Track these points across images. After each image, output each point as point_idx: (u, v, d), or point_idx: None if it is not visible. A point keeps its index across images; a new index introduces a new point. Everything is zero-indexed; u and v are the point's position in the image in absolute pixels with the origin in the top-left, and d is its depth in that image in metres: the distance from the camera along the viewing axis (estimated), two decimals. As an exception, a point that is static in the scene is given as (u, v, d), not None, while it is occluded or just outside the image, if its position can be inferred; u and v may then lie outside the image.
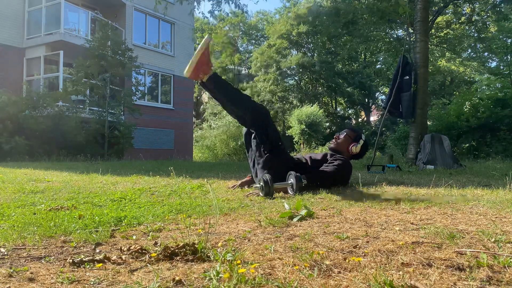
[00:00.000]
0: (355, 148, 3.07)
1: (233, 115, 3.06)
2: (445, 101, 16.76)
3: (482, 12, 13.25)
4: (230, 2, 9.90)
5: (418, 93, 6.17)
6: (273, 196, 2.41)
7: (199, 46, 2.69)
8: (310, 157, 3.01)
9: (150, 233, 1.53)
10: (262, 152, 2.77)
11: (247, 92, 28.57)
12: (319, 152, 3.29)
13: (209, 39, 2.70)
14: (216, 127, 20.32)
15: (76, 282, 0.99)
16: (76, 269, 1.09)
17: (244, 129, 3.06)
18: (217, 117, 22.27)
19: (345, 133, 3.16)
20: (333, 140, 3.19)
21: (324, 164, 2.89)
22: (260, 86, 27.53)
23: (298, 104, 25.74)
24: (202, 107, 24.50)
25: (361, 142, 3.09)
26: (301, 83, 29.32)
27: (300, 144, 21.40)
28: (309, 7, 19.39)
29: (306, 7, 22.28)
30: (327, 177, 2.74)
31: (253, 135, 2.88)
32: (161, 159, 10.62)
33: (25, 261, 1.18)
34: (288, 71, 27.72)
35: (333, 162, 2.87)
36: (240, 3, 10.25)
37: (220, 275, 0.97)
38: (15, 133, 9.03)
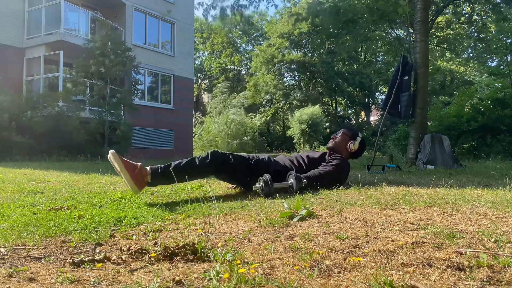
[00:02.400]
0: (353, 146, 3.07)
1: (229, 181, 2.91)
2: (444, 100, 16.76)
3: (482, 12, 13.25)
4: (235, 10, 9.60)
5: (418, 93, 6.17)
6: (273, 196, 2.41)
7: (117, 167, 2.38)
8: (308, 156, 3.00)
9: (150, 233, 1.53)
10: (248, 186, 2.66)
11: (250, 85, 28.49)
12: (318, 151, 3.27)
13: (114, 153, 2.36)
14: (218, 123, 20.35)
15: (76, 282, 0.99)
16: (76, 269, 1.09)
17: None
18: (218, 115, 22.30)
19: (342, 131, 3.18)
20: (331, 140, 3.19)
21: (322, 164, 2.89)
22: (262, 80, 27.48)
23: (298, 104, 25.77)
24: (204, 105, 24.53)
25: (358, 139, 3.10)
26: (301, 83, 29.34)
27: (300, 144, 21.42)
28: (309, 2, 19.39)
29: (304, 5, 22.28)
30: (325, 176, 2.74)
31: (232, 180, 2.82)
32: (161, 159, 10.62)
33: (25, 261, 1.18)
34: (289, 67, 27.75)
35: (331, 162, 2.87)
36: (243, 11, 9.97)
37: (220, 275, 0.97)
38: (15, 134, 9.02)
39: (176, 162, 2.57)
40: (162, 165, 2.52)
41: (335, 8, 11.96)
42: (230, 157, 2.68)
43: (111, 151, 2.41)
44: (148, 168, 2.47)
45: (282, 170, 2.78)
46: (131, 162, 2.44)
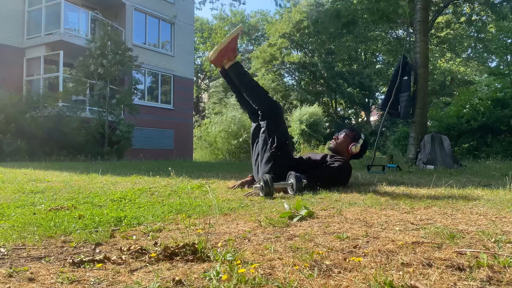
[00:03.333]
0: (355, 148, 3.07)
1: (246, 107, 3.09)
2: (444, 100, 16.77)
3: (482, 12, 13.25)
4: None
5: (418, 93, 6.17)
6: (273, 196, 2.41)
7: (231, 32, 2.79)
8: (309, 158, 3.01)
9: (150, 233, 1.53)
10: (269, 147, 2.79)
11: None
12: (319, 152, 3.31)
13: (242, 28, 2.78)
14: (217, 123, 20.35)
15: (76, 282, 0.99)
16: (76, 269, 1.09)
17: (253, 124, 3.08)
18: (217, 116, 22.30)
19: (344, 133, 3.17)
20: (333, 140, 3.19)
21: (323, 165, 2.89)
22: (261, 82, 27.57)
23: (298, 104, 25.80)
24: (202, 105, 24.50)
25: (361, 141, 3.09)
26: (301, 83, 29.35)
27: (300, 144, 21.43)
28: (309, 7, 19.44)
29: (304, 10, 22.34)
30: (326, 178, 2.74)
31: (262, 129, 2.90)
32: (161, 159, 10.63)
33: (25, 261, 1.18)
34: (290, 67, 27.78)
35: (333, 163, 2.87)
36: None
37: (220, 275, 0.97)
38: (15, 134, 9.02)
39: (252, 78, 3.03)
40: (243, 69, 2.98)
41: (335, 11, 11.97)
42: (284, 121, 3.01)
43: (240, 26, 3.02)
44: (236, 60, 2.91)
45: (300, 161, 2.85)
46: (236, 46, 2.89)
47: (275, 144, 2.77)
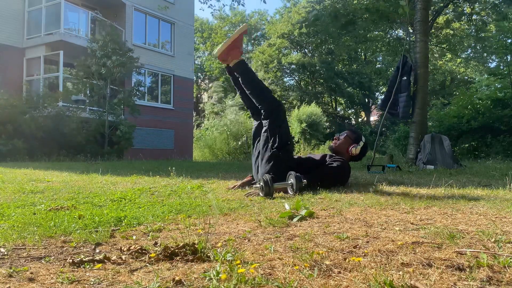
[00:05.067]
0: (355, 150, 3.07)
1: (249, 105, 3.10)
2: (443, 101, 16.76)
3: (483, 12, 13.25)
4: None
5: (418, 93, 6.16)
6: (273, 196, 2.41)
7: (236, 30, 2.84)
8: (309, 158, 3.01)
9: (150, 233, 1.53)
10: (270, 146, 2.79)
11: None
12: (319, 153, 3.31)
13: (247, 26, 2.80)
14: (216, 125, 20.35)
15: (76, 282, 0.99)
16: (76, 269, 1.09)
17: (255, 122, 3.09)
18: (217, 115, 22.30)
19: (346, 134, 3.16)
20: (333, 140, 3.19)
21: (323, 165, 2.89)
22: (262, 79, 27.62)
23: (298, 104, 25.81)
24: (201, 106, 24.43)
25: (361, 143, 3.09)
26: (301, 83, 29.37)
27: (301, 143, 21.43)
28: (308, 9, 19.47)
29: (303, 11, 22.36)
30: (326, 178, 2.74)
31: (264, 128, 2.90)
32: (161, 159, 10.62)
33: (25, 261, 1.18)
34: (288, 68, 27.81)
35: (332, 164, 2.87)
36: None
37: (220, 275, 0.97)
38: (15, 135, 9.01)
39: (259, 80, 3.04)
40: (249, 68, 2.99)
41: (334, 11, 11.97)
42: (286, 121, 2.98)
43: (245, 25, 3.02)
44: (241, 58, 2.94)
45: (300, 161, 2.85)
46: (242, 44, 2.92)
47: (276, 144, 2.77)
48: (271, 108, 2.89)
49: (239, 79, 2.96)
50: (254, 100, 2.98)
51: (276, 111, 2.89)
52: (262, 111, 2.91)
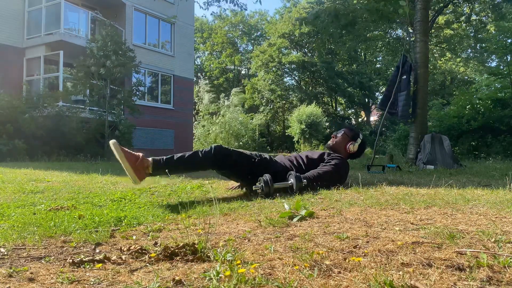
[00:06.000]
0: (353, 147, 3.06)
1: (238, 177, 2.87)
2: (442, 101, 16.77)
3: (482, 13, 13.25)
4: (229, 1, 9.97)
5: (418, 93, 6.17)
6: (273, 196, 2.41)
7: (118, 158, 2.36)
8: (307, 156, 2.99)
9: (150, 233, 1.53)
10: (245, 177, 2.70)
11: (248, 88, 28.56)
12: (317, 151, 3.26)
13: (114, 143, 2.34)
14: (217, 125, 20.34)
15: (76, 282, 0.99)
16: (76, 269, 1.09)
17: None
18: (216, 116, 22.27)
19: (343, 131, 3.16)
20: (331, 139, 3.18)
21: (321, 164, 2.88)
22: (260, 84, 27.64)
23: (298, 104, 25.82)
24: (197, 105, 24.31)
25: (359, 141, 3.08)
26: (301, 83, 29.38)
27: (301, 143, 21.45)
28: (308, 10, 19.46)
29: (303, 12, 22.36)
30: (325, 176, 2.73)
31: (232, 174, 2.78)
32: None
33: (25, 261, 1.18)
34: (288, 68, 27.80)
35: (330, 162, 2.86)
36: (238, 1, 10.34)
37: (220, 275, 0.97)
38: (15, 135, 9.01)
39: (180, 155, 2.58)
40: (164, 157, 2.53)
41: (334, 11, 11.97)
42: (233, 153, 2.68)
43: (112, 141, 2.38)
44: (150, 159, 2.48)
45: (282, 170, 2.78)
46: (133, 152, 2.43)
47: (249, 172, 2.66)
48: (215, 159, 2.59)
49: (171, 170, 2.55)
50: (201, 168, 2.72)
51: (218, 156, 2.60)
52: (213, 168, 2.67)
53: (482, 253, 1.10)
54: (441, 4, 10.89)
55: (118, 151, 2.35)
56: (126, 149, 2.42)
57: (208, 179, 3.71)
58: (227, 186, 3.08)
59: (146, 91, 14.42)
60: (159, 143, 14.79)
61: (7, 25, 11.35)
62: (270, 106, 28.28)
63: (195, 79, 21.58)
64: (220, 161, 2.61)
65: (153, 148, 14.25)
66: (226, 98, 23.02)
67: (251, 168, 2.67)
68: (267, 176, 2.43)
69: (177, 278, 0.97)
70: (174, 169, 2.40)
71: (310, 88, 28.23)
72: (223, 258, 1.12)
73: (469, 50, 20.40)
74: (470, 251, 1.14)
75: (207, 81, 27.13)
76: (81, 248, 1.34)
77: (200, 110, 23.47)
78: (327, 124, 23.02)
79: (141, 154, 2.46)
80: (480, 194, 2.38)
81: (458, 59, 22.70)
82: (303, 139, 21.36)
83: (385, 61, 24.49)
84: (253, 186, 2.48)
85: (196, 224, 1.66)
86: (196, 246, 1.20)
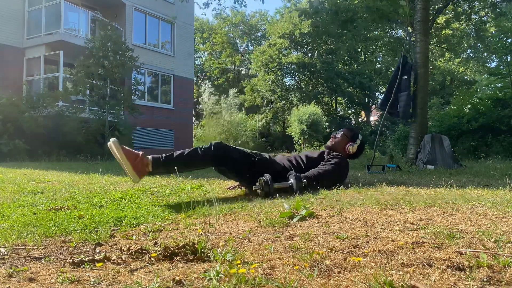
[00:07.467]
0: (352, 148, 3.06)
1: (236, 177, 2.85)
2: (441, 100, 16.76)
3: (482, 13, 13.25)
4: None
5: (418, 93, 6.16)
6: (273, 196, 2.41)
7: (118, 156, 2.35)
8: (306, 156, 2.99)
9: (150, 233, 1.53)
10: (244, 176, 2.69)
11: (247, 90, 28.58)
12: (317, 150, 3.24)
13: (114, 141, 2.33)
14: (217, 126, 20.36)
15: (76, 282, 0.99)
16: (76, 269, 1.09)
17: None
18: (215, 116, 22.30)
19: (342, 132, 3.16)
20: (330, 139, 3.18)
21: (321, 163, 2.88)
22: (260, 85, 27.65)
23: (299, 103, 25.82)
24: (199, 106, 24.35)
25: (358, 141, 3.08)
26: (301, 83, 29.38)
27: (301, 143, 21.45)
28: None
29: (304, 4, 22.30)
30: (325, 175, 2.73)
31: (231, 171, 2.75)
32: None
33: (25, 261, 1.18)
34: (288, 68, 27.80)
35: (330, 161, 2.86)
36: None
37: (220, 275, 0.97)
38: (15, 135, 9.01)
39: (179, 152, 2.58)
40: (164, 155, 2.52)
41: (334, 7, 11.96)
42: (233, 150, 2.68)
43: (112, 139, 2.37)
44: (149, 157, 2.47)
45: (282, 170, 2.78)
46: (132, 150, 2.43)
47: (248, 171, 2.65)
48: (214, 156, 2.58)
49: (170, 169, 2.52)
50: (200, 166, 2.75)
51: (218, 153, 2.59)
52: (212, 165, 2.69)
53: (482, 253, 1.10)
54: (441, 5, 10.87)
55: (118, 149, 2.35)
56: (126, 147, 2.42)
57: (208, 179, 3.71)
58: (227, 186, 3.08)
59: (146, 90, 14.42)
60: (159, 143, 14.79)
61: (7, 25, 11.35)
62: (270, 106, 28.30)
63: (195, 79, 21.58)
64: (220, 158, 2.60)
65: (153, 148, 14.25)
66: (225, 98, 23.05)
67: (250, 167, 2.67)
68: (267, 176, 2.43)
69: (177, 278, 0.97)
70: (174, 166, 2.40)
71: (310, 88, 28.22)
72: (223, 258, 1.12)
73: (469, 50, 20.39)
74: (470, 251, 1.14)
75: (209, 84, 27.22)
76: (81, 248, 1.34)
77: (203, 111, 23.51)
78: (327, 124, 23.02)
79: (140, 152, 2.46)
80: (480, 194, 2.37)
81: (458, 60, 22.70)
82: (303, 140, 21.36)
83: (385, 61, 24.48)
84: (253, 186, 2.47)
85: (196, 224, 1.66)
86: (196, 246, 1.20)
